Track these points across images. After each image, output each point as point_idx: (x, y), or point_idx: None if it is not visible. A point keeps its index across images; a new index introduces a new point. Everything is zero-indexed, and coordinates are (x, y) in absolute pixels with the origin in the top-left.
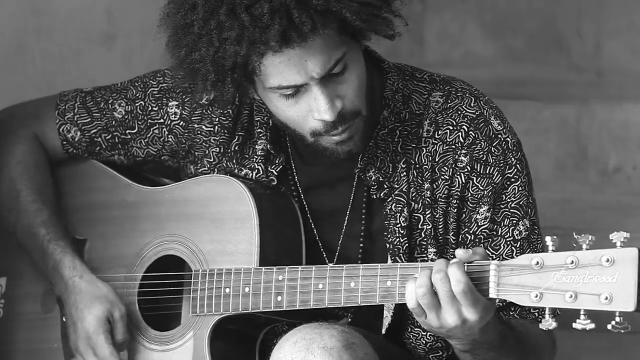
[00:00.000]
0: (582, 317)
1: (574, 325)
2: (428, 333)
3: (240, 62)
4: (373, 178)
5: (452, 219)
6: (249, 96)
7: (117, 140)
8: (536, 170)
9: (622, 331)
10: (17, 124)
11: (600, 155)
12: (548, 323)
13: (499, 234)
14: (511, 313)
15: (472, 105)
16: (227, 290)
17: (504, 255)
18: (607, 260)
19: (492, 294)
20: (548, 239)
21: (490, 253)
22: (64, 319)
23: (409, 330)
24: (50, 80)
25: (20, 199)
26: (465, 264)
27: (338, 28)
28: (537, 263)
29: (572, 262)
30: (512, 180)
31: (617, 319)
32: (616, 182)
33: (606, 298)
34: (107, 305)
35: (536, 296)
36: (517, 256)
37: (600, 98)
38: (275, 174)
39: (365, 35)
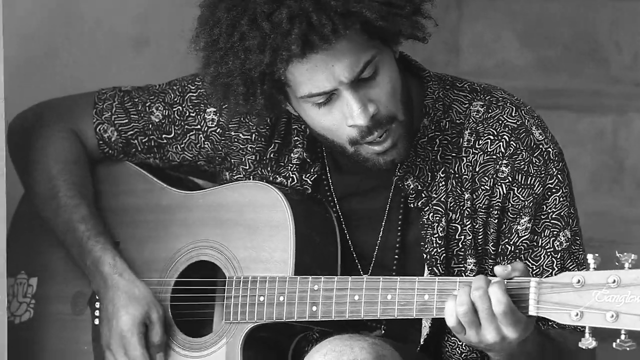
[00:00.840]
0: (623, 336)
1: (614, 345)
2: (464, 344)
3: (267, 72)
4: (411, 186)
5: (492, 230)
6: (281, 109)
7: (153, 144)
8: (572, 182)
9: None
10: (56, 118)
11: (637, 168)
12: (588, 342)
13: (540, 244)
14: (550, 323)
15: (513, 114)
16: (262, 298)
17: (544, 267)
18: None
19: (532, 311)
20: (590, 256)
21: (530, 264)
22: (96, 321)
23: (446, 339)
24: (81, 86)
25: (59, 194)
26: (505, 281)
27: (362, 29)
28: (579, 281)
29: (614, 281)
30: (554, 190)
31: None
32: None
33: None
34: (144, 307)
35: (576, 315)
36: (557, 267)
37: (638, 109)
38: (310, 182)
39: (394, 39)
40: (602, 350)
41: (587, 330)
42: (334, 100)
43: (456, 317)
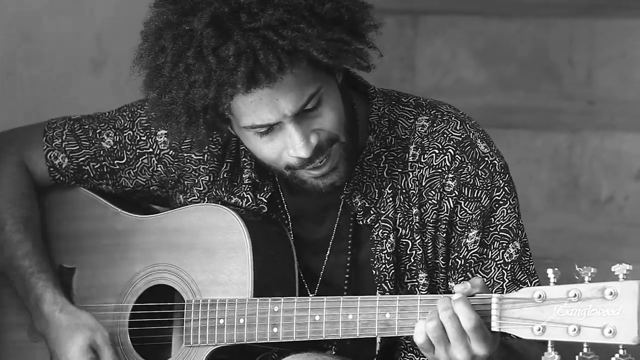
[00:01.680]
0: (585, 349)
1: (577, 358)
2: (421, 358)
3: (210, 104)
4: (359, 204)
5: (441, 244)
6: (224, 133)
7: (105, 170)
8: (528, 200)
9: None
10: (3, 149)
11: (592, 185)
12: (551, 356)
13: (489, 257)
14: (511, 337)
15: (457, 128)
16: (222, 321)
17: (495, 279)
18: (611, 294)
19: (494, 327)
20: (550, 271)
21: (480, 277)
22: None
23: (403, 355)
24: (39, 107)
25: (5, 228)
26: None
27: (308, 65)
28: (540, 296)
29: (575, 295)
30: (501, 202)
31: (621, 351)
32: (608, 211)
33: (610, 331)
34: (87, 333)
35: (539, 329)
36: (508, 279)
37: (592, 127)
38: (265, 201)
39: (338, 69)
40: None
41: (549, 345)
42: (277, 131)
43: (425, 334)
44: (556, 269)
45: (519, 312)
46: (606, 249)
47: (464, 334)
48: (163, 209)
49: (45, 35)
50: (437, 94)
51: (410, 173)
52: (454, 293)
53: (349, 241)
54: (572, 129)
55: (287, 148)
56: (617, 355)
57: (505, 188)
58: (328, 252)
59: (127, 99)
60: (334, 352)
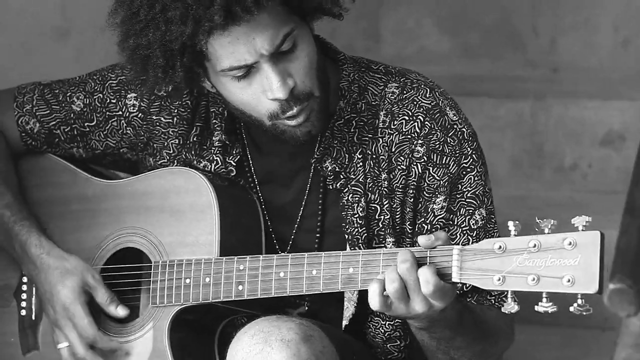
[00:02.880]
0: (544, 300)
1: (537, 308)
2: (387, 322)
3: (188, 43)
4: (329, 168)
5: (408, 209)
6: (200, 85)
7: (75, 133)
8: (492, 167)
9: (584, 313)
10: None
11: (556, 152)
12: (510, 306)
13: (455, 223)
14: (468, 299)
15: (427, 96)
16: (188, 280)
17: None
18: (570, 244)
19: (455, 278)
20: (510, 223)
21: (445, 231)
22: (22, 312)
23: (369, 319)
24: (3, 76)
25: None
26: (428, 251)
27: (282, 2)
28: (500, 247)
29: (535, 245)
30: (468, 170)
31: (580, 301)
32: (572, 179)
33: (568, 280)
34: (79, 275)
35: (499, 280)
36: None
37: (556, 94)
38: (234, 164)
39: (312, 14)
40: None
41: (509, 295)
42: (254, 74)
43: (380, 298)
44: (517, 222)
45: (479, 263)
46: (569, 216)
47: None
48: (128, 176)
49: (8, 3)
50: (401, 63)
51: (380, 139)
52: (417, 244)
53: (319, 206)
54: (536, 96)
55: (265, 91)
56: (575, 305)
57: (473, 155)
58: (299, 217)
59: (91, 68)
60: (306, 308)
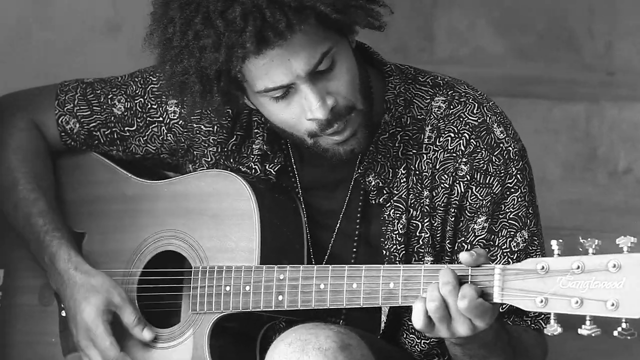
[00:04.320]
0: (588, 322)
1: (580, 331)
2: (422, 341)
3: (223, 69)
4: (373, 183)
5: (449, 228)
6: (239, 104)
7: (115, 137)
8: (544, 170)
9: (629, 337)
10: (17, 110)
11: (610, 156)
12: (553, 328)
13: (496, 244)
14: (504, 319)
15: (474, 112)
16: (228, 288)
17: None
18: (614, 266)
19: (497, 298)
20: (553, 242)
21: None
22: (63, 313)
23: (405, 336)
24: (53, 71)
25: (19, 187)
26: (470, 269)
27: (317, 22)
28: (543, 268)
29: (578, 267)
30: (512, 190)
31: (624, 325)
32: (625, 183)
33: (612, 304)
34: (104, 294)
35: (541, 301)
36: None
37: (611, 98)
38: (274, 172)
39: (350, 29)
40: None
41: (552, 317)
42: (292, 94)
43: (424, 317)
44: (560, 240)
45: (521, 284)
46: (622, 221)
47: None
48: (174, 174)
49: None
50: (455, 64)
51: (425, 155)
52: (459, 262)
53: (357, 219)
54: (590, 99)
55: (305, 111)
56: (619, 329)
57: (518, 176)
58: (337, 227)
59: (143, 63)
60: (341, 322)
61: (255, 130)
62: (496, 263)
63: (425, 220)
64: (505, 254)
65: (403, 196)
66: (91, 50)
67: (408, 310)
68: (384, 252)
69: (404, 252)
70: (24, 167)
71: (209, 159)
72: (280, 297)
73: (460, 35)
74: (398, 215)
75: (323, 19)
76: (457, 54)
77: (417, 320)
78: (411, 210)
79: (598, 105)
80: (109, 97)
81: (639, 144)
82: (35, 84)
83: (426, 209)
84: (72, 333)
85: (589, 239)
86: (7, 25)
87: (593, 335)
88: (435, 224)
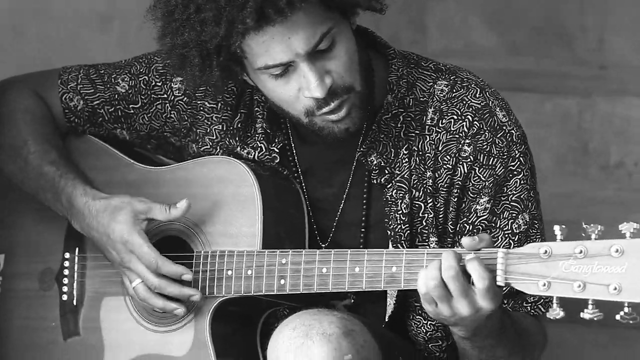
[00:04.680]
0: (590, 307)
1: (582, 315)
2: (429, 322)
3: (223, 44)
4: (375, 162)
5: (452, 208)
6: (238, 80)
7: (120, 114)
8: (537, 164)
9: (631, 322)
10: (23, 86)
11: (602, 150)
12: (556, 312)
13: (498, 226)
14: (504, 306)
15: (477, 96)
16: (230, 272)
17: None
18: (617, 251)
19: (500, 281)
20: (556, 227)
21: (488, 234)
22: (64, 297)
23: (411, 317)
24: (47, 62)
25: (28, 143)
26: (473, 253)
27: (318, 2)
28: (546, 252)
29: (581, 251)
30: (515, 173)
31: (626, 309)
32: (617, 177)
33: (615, 288)
34: (128, 207)
35: (544, 285)
36: None
37: (603, 92)
38: (277, 151)
39: (351, 10)
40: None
41: (554, 301)
42: (291, 72)
43: (425, 287)
44: (563, 225)
45: (524, 268)
46: (614, 214)
47: (467, 291)
48: (174, 162)
49: None
50: (448, 57)
51: (427, 136)
52: (461, 246)
53: (364, 200)
54: (582, 93)
55: (302, 89)
56: (622, 313)
57: (521, 159)
58: (340, 210)
59: (134, 54)
60: (352, 301)
61: (256, 109)
62: (497, 244)
63: (429, 201)
64: (506, 235)
65: (405, 176)
66: (84, 43)
67: (415, 292)
68: (389, 232)
69: (408, 232)
70: (33, 128)
71: (214, 137)
72: (282, 281)
73: (453, 29)
74: (401, 195)
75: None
76: (450, 47)
77: (422, 286)
78: (414, 190)
79: (590, 100)
80: (113, 76)
81: (630, 138)
82: None
83: (429, 189)
84: (112, 260)
85: (592, 225)
86: (3, 17)
87: (595, 319)
88: (438, 205)
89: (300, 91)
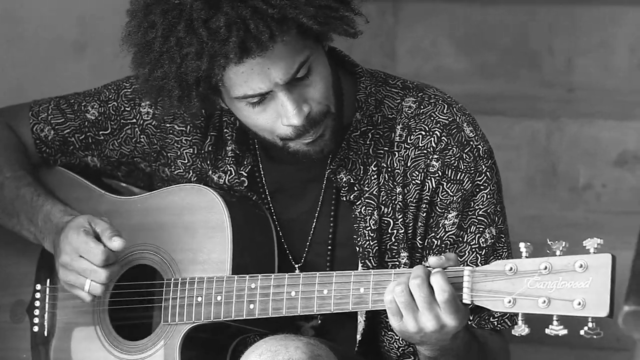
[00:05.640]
0: (555, 323)
1: (547, 331)
2: (401, 337)
3: (203, 76)
4: (344, 180)
5: (420, 224)
6: (216, 107)
7: (90, 141)
8: (506, 186)
9: (595, 337)
10: None
11: (570, 172)
12: (521, 329)
13: (465, 240)
14: (469, 323)
15: (445, 111)
16: (199, 299)
17: (468, 262)
18: (581, 266)
19: (466, 299)
20: (522, 245)
21: (455, 253)
22: (35, 329)
23: (383, 334)
24: (21, 89)
25: (3, 170)
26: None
27: (297, 33)
28: (511, 269)
29: (546, 267)
30: (482, 187)
31: (590, 324)
32: (586, 199)
33: (579, 304)
34: (85, 217)
35: (509, 302)
36: (481, 263)
37: (571, 114)
38: (245, 174)
39: (326, 37)
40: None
41: (520, 317)
42: (269, 100)
43: (392, 296)
44: (528, 243)
45: (490, 285)
46: (583, 236)
47: (433, 303)
48: (144, 192)
49: (27, 16)
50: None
51: (396, 152)
52: (428, 265)
53: (331, 218)
54: (551, 116)
55: (280, 117)
56: (585, 328)
57: (487, 173)
58: (312, 230)
59: (108, 81)
60: (319, 322)
61: (226, 130)
62: (464, 259)
63: (399, 216)
64: (474, 249)
65: (374, 193)
66: (58, 69)
67: (385, 310)
68: (357, 249)
69: (376, 248)
70: (6, 156)
71: (186, 160)
72: (251, 306)
73: (423, 53)
74: (370, 211)
75: (303, 30)
76: (420, 71)
77: (388, 295)
78: (382, 207)
79: (558, 122)
80: (82, 104)
81: (598, 160)
82: (3, 101)
83: (399, 205)
84: (60, 275)
85: (557, 241)
86: None
87: (560, 334)
88: (407, 220)
89: (278, 119)
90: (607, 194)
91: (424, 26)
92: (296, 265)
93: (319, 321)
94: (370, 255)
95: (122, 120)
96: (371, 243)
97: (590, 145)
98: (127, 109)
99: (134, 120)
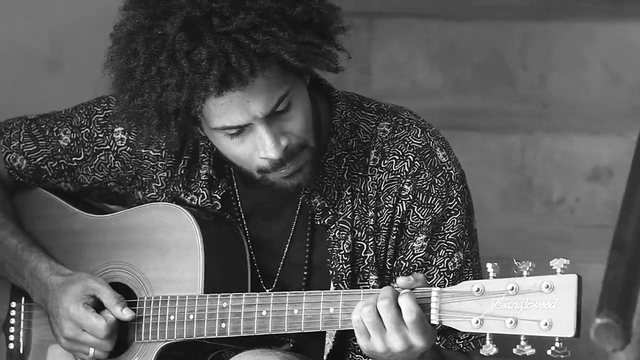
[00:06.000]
0: (522, 342)
1: (514, 351)
2: (369, 357)
3: (182, 107)
4: (318, 204)
5: (390, 246)
6: (194, 136)
7: (63, 168)
8: (481, 201)
9: (562, 357)
10: None
11: (545, 186)
12: (489, 349)
13: (434, 263)
14: (436, 343)
15: (418, 136)
16: (172, 317)
17: (435, 286)
18: (547, 287)
19: (434, 320)
20: (489, 265)
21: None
22: (10, 346)
23: (350, 357)
24: None
25: None
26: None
27: (278, 68)
28: (478, 290)
29: (513, 288)
30: (452, 212)
31: (557, 344)
32: (560, 212)
33: (546, 324)
34: (81, 282)
35: (477, 322)
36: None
37: (545, 129)
38: (219, 198)
39: (307, 71)
40: None
41: (487, 337)
42: (247, 132)
43: (359, 316)
44: (495, 263)
45: (458, 305)
46: (558, 250)
47: (400, 324)
48: (119, 208)
49: (0, 35)
50: (393, 97)
51: (370, 177)
52: (396, 286)
53: (307, 241)
54: (525, 131)
55: (258, 150)
56: (553, 348)
57: (458, 198)
58: (285, 253)
59: (83, 99)
60: (291, 346)
61: (202, 155)
62: (432, 282)
63: (370, 240)
64: (442, 273)
65: (348, 217)
66: (32, 87)
67: (354, 332)
68: (331, 272)
69: (350, 272)
70: None
71: (159, 184)
72: (223, 325)
73: (398, 69)
74: (344, 235)
75: (285, 64)
76: (395, 87)
77: (355, 314)
78: (356, 231)
79: (532, 136)
80: (54, 130)
81: (572, 174)
82: None
83: (371, 228)
84: (58, 339)
85: (523, 262)
86: None
87: (527, 354)
88: (379, 244)
89: (255, 151)
90: (580, 208)
91: (399, 42)
92: (268, 287)
93: (291, 346)
94: (344, 278)
95: (95, 147)
96: (344, 267)
97: (564, 160)
98: (99, 135)
99: (108, 147)
